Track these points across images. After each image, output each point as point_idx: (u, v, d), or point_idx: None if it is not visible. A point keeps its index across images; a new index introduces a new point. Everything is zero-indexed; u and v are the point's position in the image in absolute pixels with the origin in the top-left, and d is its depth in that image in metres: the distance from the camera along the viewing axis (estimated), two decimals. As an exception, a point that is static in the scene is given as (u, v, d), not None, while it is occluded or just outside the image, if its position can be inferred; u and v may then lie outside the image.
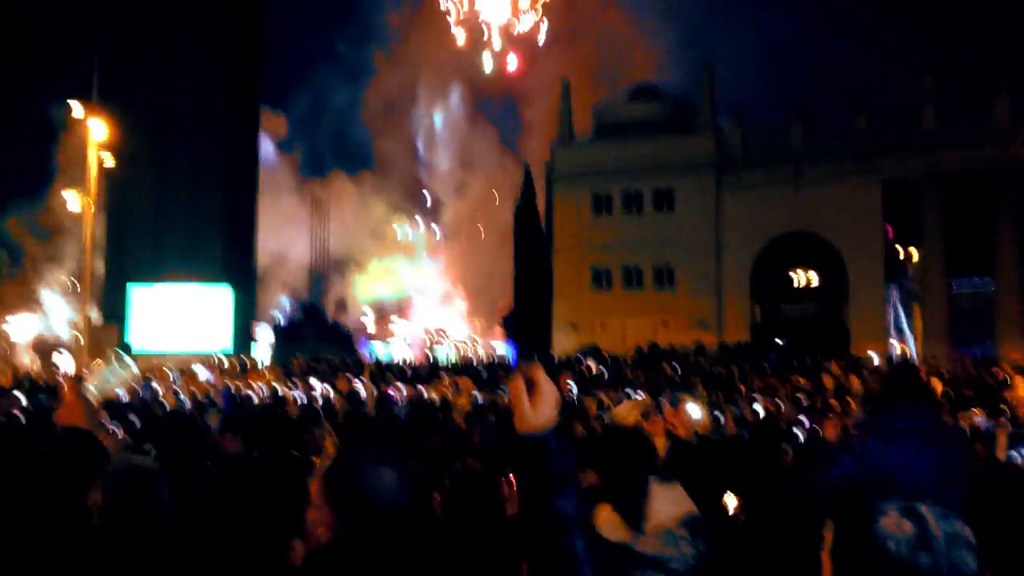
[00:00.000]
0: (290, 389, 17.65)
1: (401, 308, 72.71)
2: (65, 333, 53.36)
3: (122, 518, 2.96)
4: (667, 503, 3.33)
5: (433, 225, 78.01)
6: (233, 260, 55.44)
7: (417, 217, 77.26)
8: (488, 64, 38.73)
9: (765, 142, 42.06)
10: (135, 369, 3.77)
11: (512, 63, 38.71)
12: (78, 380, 3.45)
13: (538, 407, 2.16)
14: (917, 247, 41.79)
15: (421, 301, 72.51)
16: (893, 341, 42.29)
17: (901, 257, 44.18)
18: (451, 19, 38.88)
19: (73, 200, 27.08)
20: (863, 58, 72.16)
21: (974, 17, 62.07)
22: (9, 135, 56.03)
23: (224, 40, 57.14)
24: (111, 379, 3.63)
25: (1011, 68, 38.88)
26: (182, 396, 16.17)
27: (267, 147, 71.86)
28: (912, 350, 42.59)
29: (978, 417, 13.11)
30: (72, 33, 54.28)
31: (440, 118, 77.95)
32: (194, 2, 55.85)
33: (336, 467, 2.39)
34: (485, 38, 37.76)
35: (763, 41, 71.57)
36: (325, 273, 75.33)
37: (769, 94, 58.53)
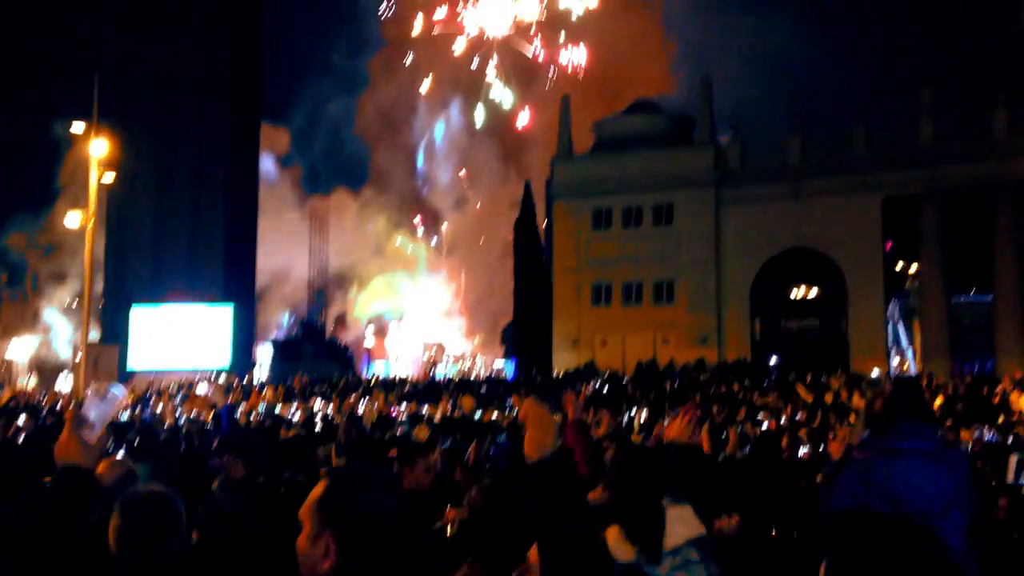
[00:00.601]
0: (290, 409, 17.61)
1: (401, 324, 72.65)
2: (66, 353, 53.35)
3: (139, 545, 2.98)
4: (678, 524, 3.30)
5: (433, 240, 78.07)
6: (233, 278, 55.50)
7: (417, 231, 77.29)
8: (480, 118, 38.48)
9: (764, 156, 42.05)
10: (123, 394, 3.75)
11: (523, 118, 38.48)
12: (75, 415, 3.38)
13: (541, 436, 2.19)
14: (916, 262, 41.78)
15: (421, 316, 72.44)
16: (893, 356, 42.25)
17: (901, 272, 44.20)
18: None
19: (74, 218, 27.10)
20: (861, 71, 72.57)
21: (971, 30, 62.37)
22: (13, 153, 56.21)
23: (225, 59, 57.38)
24: (103, 407, 3.60)
25: (1008, 80, 38.94)
26: (181, 418, 16.12)
27: (268, 163, 72.07)
28: (912, 365, 42.55)
29: (984, 432, 13.10)
30: (74, 53, 54.50)
31: (441, 131, 78.11)
32: (194, 22, 56.07)
33: (333, 490, 2.30)
34: (493, 74, 37.25)
35: (760, 55, 71.89)
36: (325, 289, 75.36)
37: (767, 108, 58.71)
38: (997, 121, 37.44)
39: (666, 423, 9.14)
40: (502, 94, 35.70)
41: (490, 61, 36.72)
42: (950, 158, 37.16)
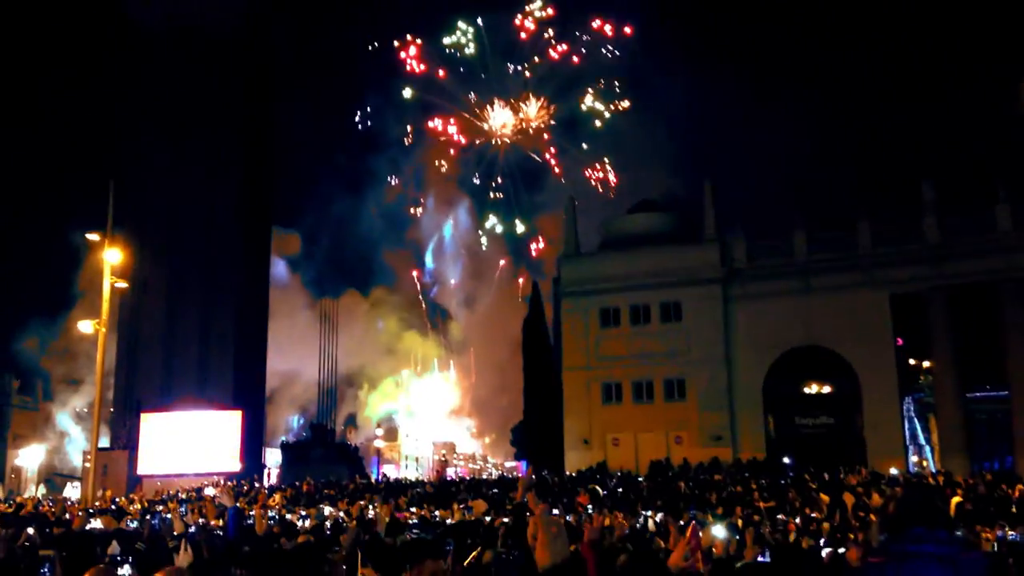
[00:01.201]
0: (298, 514, 17.38)
1: (411, 425, 72.12)
2: (77, 459, 53.02)
3: None
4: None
5: (442, 339, 78.18)
6: (243, 383, 55.53)
7: (427, 331, 77.50)
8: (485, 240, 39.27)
9: (770, 252, 42.19)
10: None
11: (535, 246, 39.47)
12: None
13: (551, 543, 2.22)
14: (929, 359, 41.46)
15: (431, 416, 71.96)
16: (911, 454, 41.60)
17: (914, 368, 43.87)
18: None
19: (87, 325, 27.30)
20: (864, 166, 73.69)
21: (971, 125, 63.51)
22: (31, 260, 57.07)
23: (235, 167, 58.76)
24: None
25: (1010, 174, 39.23)
26: (190, 525, 15.91)
27: (279, 266, 72.96)
28: (931, 463, 41.87)
29: (1007, 532, 12.86)
30: (90, 164, 56.01)
31: (449, 231, 79.27)
32: (205, 132, 57.67)
33: None
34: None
35: (764, 152, 73.19)
36: (335, 390, 75.08)
37: (772, 204, 59.40)
38: (1000, 216, 37.74)
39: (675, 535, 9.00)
40: (511, 218, 37.30)
41: (498, 168, 38.07)
42: (955, 254, 37.37)
